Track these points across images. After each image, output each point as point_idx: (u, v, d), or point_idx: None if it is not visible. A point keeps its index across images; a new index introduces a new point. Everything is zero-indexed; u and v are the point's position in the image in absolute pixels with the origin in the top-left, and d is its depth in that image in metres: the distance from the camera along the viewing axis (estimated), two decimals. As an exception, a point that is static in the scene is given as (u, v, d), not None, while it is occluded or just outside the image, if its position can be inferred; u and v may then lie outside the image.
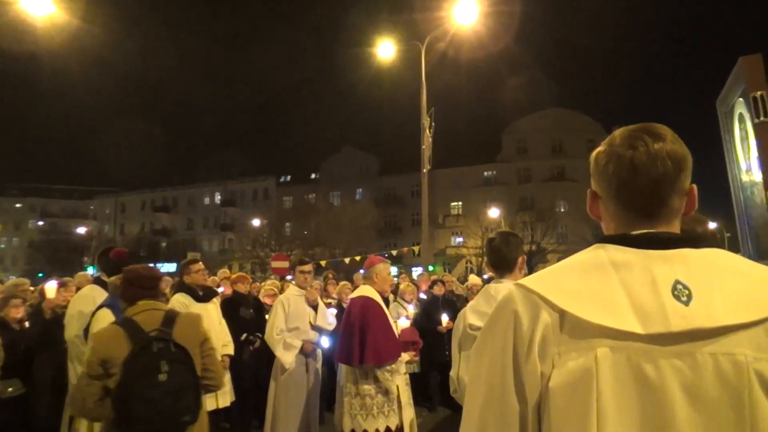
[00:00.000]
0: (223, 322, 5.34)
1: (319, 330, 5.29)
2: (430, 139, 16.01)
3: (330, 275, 9.83)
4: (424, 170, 15.77)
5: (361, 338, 4.03)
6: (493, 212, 40.82)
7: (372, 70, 19.26)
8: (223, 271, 9.39)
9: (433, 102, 16.34)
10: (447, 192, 47.04)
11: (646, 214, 1.02)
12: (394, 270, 11.97)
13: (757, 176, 3.99)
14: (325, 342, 5.34)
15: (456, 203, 48.66)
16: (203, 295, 5.16)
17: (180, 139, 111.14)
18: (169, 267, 39.04)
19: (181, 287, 5.18)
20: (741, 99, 4.02)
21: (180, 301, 4.91)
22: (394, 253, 21.23)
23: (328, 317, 5.46)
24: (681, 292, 0.91)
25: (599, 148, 1.11)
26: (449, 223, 47.77)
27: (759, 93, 3.74)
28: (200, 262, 5.38)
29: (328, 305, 6.17)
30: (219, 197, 60.13)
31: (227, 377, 5.05)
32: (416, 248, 17.71)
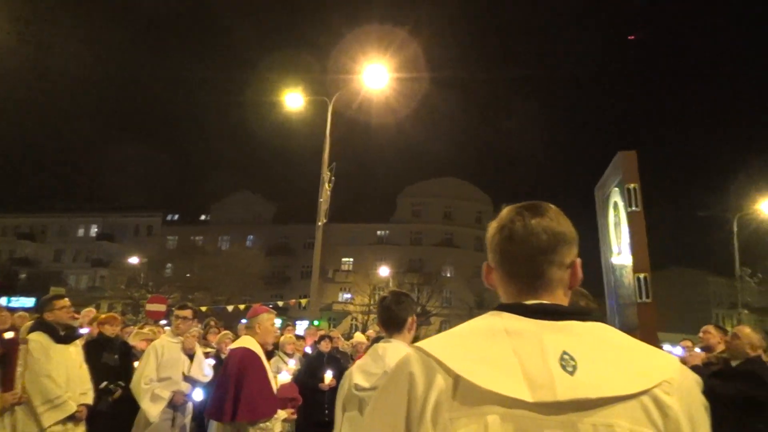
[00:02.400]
0: (85, 366, 4.81)
1: (193, 381, 4.92)
2: (329, 193, 16.11)
3: (212, 323, 9.30)
4: (320, 223, 15.79)
5: (235, 392, 3.79)
6: (383, 270, 41.34)
7: (278, 118, 19.31)
8: (89, 311, 8.49)
9: (335, 157, 16.58)
10: (339, 247, 47.08)
11: (527, 284, 1.08)
12: (278, 322, 11.62)
13: (627, 260, 4.35)
14: (198, 395, 4.97)
15: (348, 259, 48.75)
16: (64, 335, 4.63)
17: (59, 161, 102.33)
18: (27, 301, 35.05)
19: (39, 325, 4.62)
20: (617, 188, 4.43)
21: (37, 341, 4.37)
22: (280, 304, 20.68)
23: (204, 368, 5.12)
24: (567, 363, 0.94)
25: (491, 223, 1.17)
26: (338, 278, 47.62)
27: (632, 185, 4.14)
28: (66, 299, 4.86)
29: (207, 355, 5.80)
30: (95, 229, 55.65)
31: (82, 430, 4.51)
32: (303, 301, 17.41)
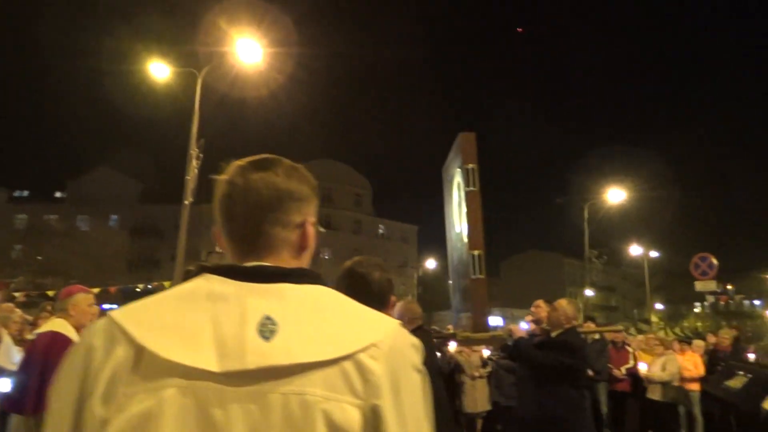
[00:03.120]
0: None
1: (-1, 370, 4.38)
2: (196, 171, 15.37)
3: (48, 308, 8.43)
4: (186, 202, 15.08)
5: (40, 382, 3.39)
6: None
7: (144, 90, 17.95)
8: None
9: (205, 134, 15.79)
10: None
11: (248, 245, 1.00)
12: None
13: (466, 238, 4.52)
14: (5, 385, 4.43)
15: (222, 241, 47.05)
16: None
17: None
18: None
19: None
20: (459, 169, 4.58)
21: None
22: (140, 287, 19.44)
23: (13, 355, 4.57)
24: (266, 328, 0.86)
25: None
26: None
27: (471, 165, 4.30)
28: None
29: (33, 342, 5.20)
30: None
31: None
32: (167, 284, 16.48)
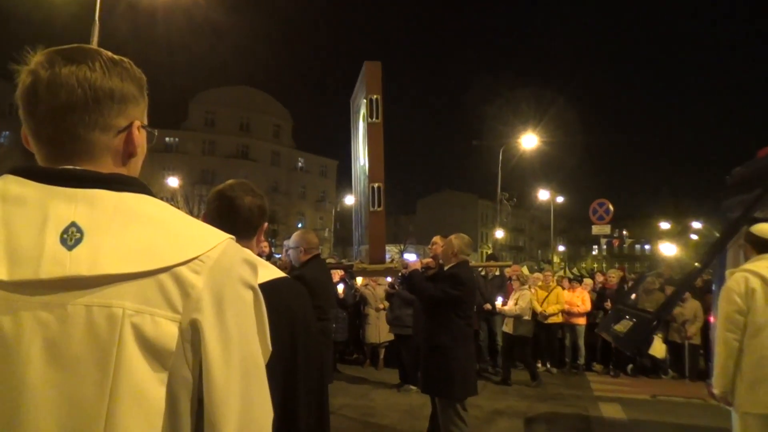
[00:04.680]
0: None
1: None
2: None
3: None
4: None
5: None
6: (172, 181, 38.82)
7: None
8: None
9: (106, 46, 14.49)
10: (121, 153, 42.67)
11: (59, 149, 0.87)
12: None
13: (368, 170, 4.47)
14: None
15: (130, 166, 44.60)
16: None
17: None
18: None
19: None
20: (364, 100, 4.46)
21: None
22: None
23: None
24: (71, 236, 0.78)
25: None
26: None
27: (375, 96, 4.19)
28: None
29: None
30: None
31: None
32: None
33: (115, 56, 0.92)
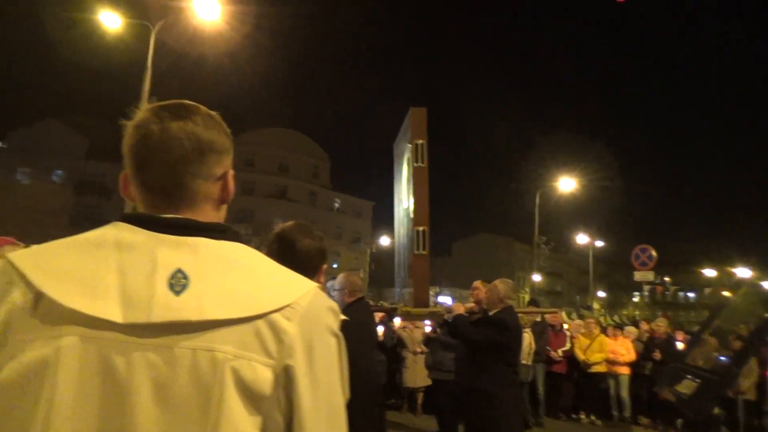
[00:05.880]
0: None
1: None
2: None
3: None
4: (133, 161, 14.56)
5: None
6: (211, 220, 39.83)
7: (94, 41, 17.07)
8: None
9: (157, 92, 15.21)
10: (164, 191, 44.07)
11: (165, 198, 0.93)
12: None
13: (412, 213, 4.51)
14: None
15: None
16: None
17: None
18: None
19: None
20: (408, 144, 4.54)
21: None
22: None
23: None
24: (178, 282, 0.82)
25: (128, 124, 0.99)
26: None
27: (420, 141, 4.27)
28: None
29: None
30: None
31: None
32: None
33: (209, 111, 1.00)
